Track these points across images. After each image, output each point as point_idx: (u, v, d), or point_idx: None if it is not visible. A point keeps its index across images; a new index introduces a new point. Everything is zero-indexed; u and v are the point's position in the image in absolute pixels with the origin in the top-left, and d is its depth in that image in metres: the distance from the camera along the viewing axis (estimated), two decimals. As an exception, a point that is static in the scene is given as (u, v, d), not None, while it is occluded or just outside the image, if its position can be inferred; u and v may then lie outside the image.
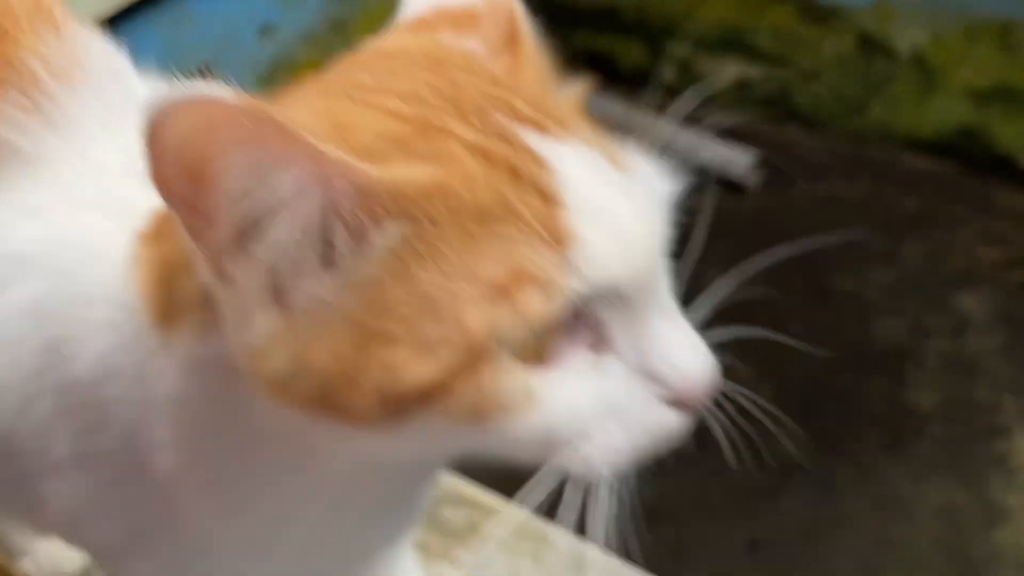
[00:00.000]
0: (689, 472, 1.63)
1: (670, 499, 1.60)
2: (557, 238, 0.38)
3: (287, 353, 0.38)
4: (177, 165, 0.34)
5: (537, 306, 0.38)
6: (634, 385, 0.42)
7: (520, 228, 0.38)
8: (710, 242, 2.21)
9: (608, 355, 0.42)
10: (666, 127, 2.06)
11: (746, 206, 2.18)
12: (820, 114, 2.29)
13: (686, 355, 0.43)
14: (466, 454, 0.44)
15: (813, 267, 1.99)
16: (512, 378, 0.39)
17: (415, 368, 0.37)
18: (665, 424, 0.44)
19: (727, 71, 2.39)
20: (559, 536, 0.52)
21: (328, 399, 0.38)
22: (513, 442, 0.41)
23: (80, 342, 0.46)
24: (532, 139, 0.40)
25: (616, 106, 2.43)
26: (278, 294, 0.38)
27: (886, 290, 1.90)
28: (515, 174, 0.39)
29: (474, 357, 0.38)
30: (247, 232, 0.37)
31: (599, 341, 0.42)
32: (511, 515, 0.61)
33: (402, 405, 0.38)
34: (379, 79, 0.42)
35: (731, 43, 2.34)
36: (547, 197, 0.39)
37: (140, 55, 1.84)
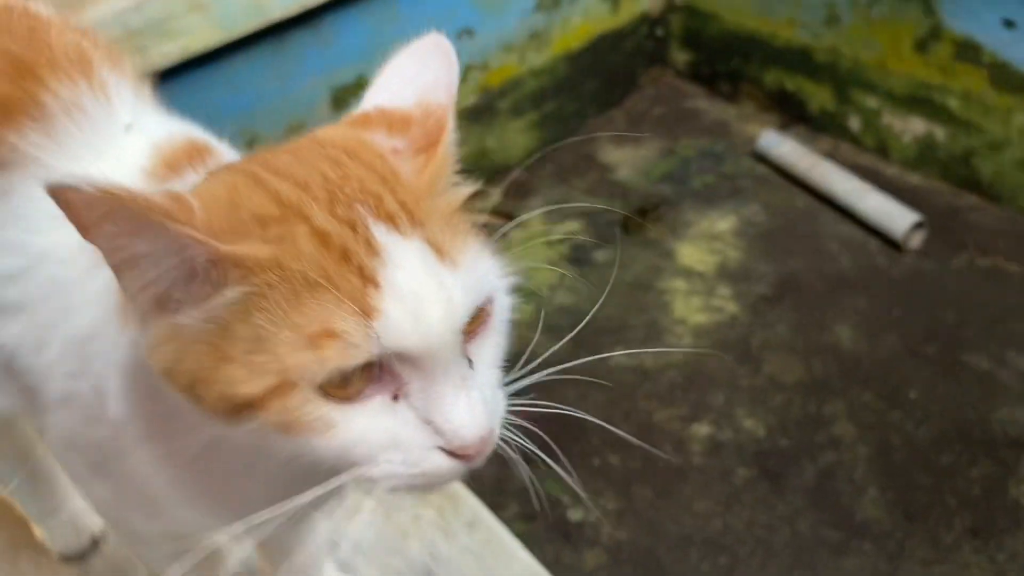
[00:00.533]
0: (761, 513, 1.66)
1: (735, 533, 1.64)
2: (365, 309, 0.49)
3: (169, 353, 0.51)
4: (77, 221, 0.47)
5: (336, 358, 0.48)
6: (419, 431, 0.52)
7: (336, 298, 0.48)
8: (848, 292, 2.22)
9: (403, 403, 0.52)
10: (837, 171, 2.10)
11: (901, 264, 2.13)
12: (1000, 185, 2.19)
13: (462, 418, 0.52)
14: (292, 457, 0.54)
15: (951, 338, 1.92)
16: (313, 407, 0.50)
17: (243, 385, 0.49)
18: (437, 467, 0.53)
19: (911, 128, 2.33)
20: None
21: (193, 391, 0.51)
22: (314, 456, 0.52)
23: (82, 308, 0.63)
24: (379, 231, 0.51)
25: (794, 144, 2.44)
26: (163, 308, 0.51)
27: (1021, 378, 1.81)
28: (345, 256, 0.49)
29: (285, 385, 0.49)
30: (123, 270, 0.50)
31: (399, 391, 0.52)
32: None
33: (235, 410, 0.50)
34: (290, 164, 0.54)
35: (919, 100, 2.28)
36: (366, 277, 0.49)
37: (344, 46, 2.09)
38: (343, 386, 0.50)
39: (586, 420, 0.69)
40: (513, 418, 0.59)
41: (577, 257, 2.32)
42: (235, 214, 0.50)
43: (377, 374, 0.51)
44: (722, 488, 1.72)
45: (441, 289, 0.51)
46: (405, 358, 0.50)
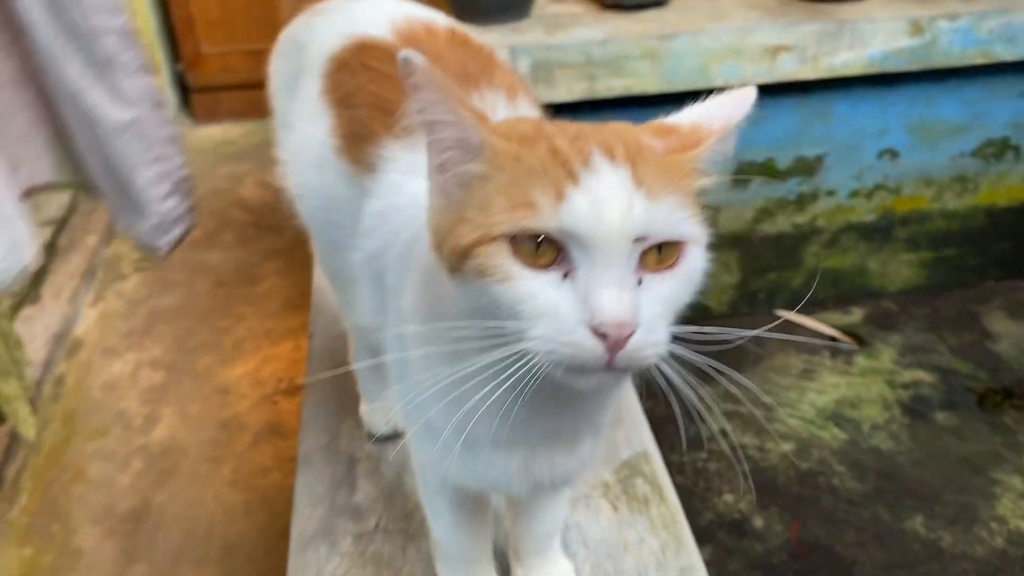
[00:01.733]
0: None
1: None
2: (559, 194, 0.60)
3: (436, 216, 0.67)
4: (408, 82, 0.63)
5: (524, 219, 0.60)
6: (574, 305, 0.60)
7: (543, 182, 0.60)
8: None
9: (570, 282, 0.61)
10: None
11: None
12: None
13: (609, 299, 0.59)
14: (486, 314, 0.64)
15: None
16: (503, 260, 0.61)
17: (465, 236, 0.62)
18: (582, 342, 0.60)
19: None
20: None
21: (440, 248, 0.66)
22: (494, 303, 0.63)
23: (409, 223, 0.83)
24: (596, 155, 0.62)
25: None
26: (442, 171, 0.66)
27: None
28: (564, 163, 0.61)
29: (488, 238, 0.61)
30: (428, 128, 0.65)
31: (570, 272, 0.61)
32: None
33: (458, 257, 0.63)
34: (568, 127, 0.67)
35: None
36: (571, 174, 0.60)
37: (768, 129, 2.17)
38: (532, 253, 0.61)
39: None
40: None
41: (915, 409, 2.20)
42: (510, 132, 0.66)
43: (558, 257, 0.61)
44: None
45: (624, 200, 0.60)
46: (581, 244, 0.60)
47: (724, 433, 2.14)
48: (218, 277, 2.70)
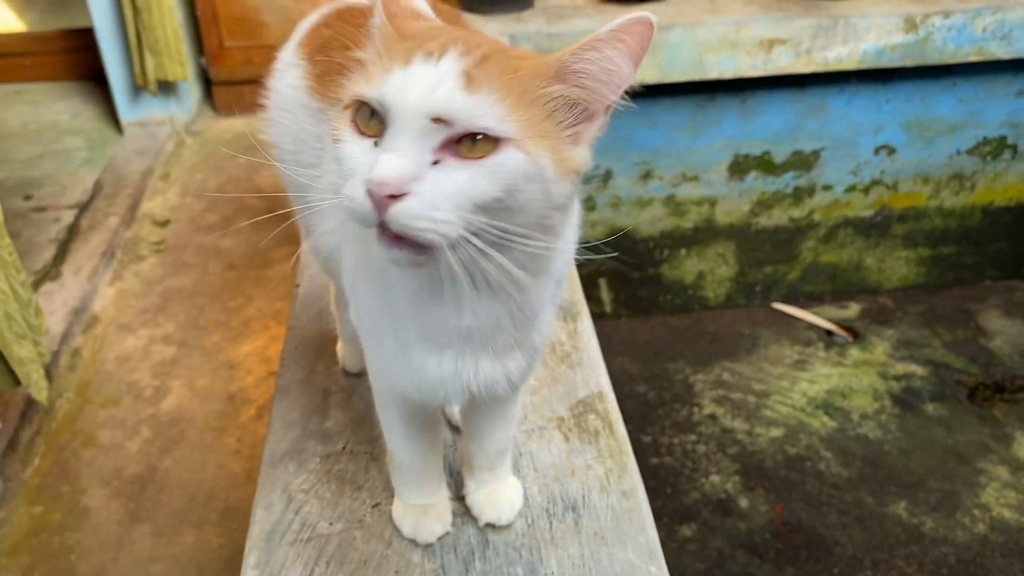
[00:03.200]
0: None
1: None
2: (387, 73, 0.67)
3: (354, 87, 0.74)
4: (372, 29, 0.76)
5: (359, 89, 0.69)
6: (367, 164, 0.66)
7: (385, 65, 0.68)
8: None
9: (375, 147, 0.67)
10: None
11: None
12: None
13: (382, 163, 0.64)
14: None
15: None
16: (344, 124, 0.69)
17: (341, 106, 0.73)
18: (355, 196, 0.65)
19: None
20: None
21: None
22: (337, 161, 0.70)
23: None
24: (439, 50, 0.68)
25: None
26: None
27: None
28: (409, 53, 0.68)
29: (344, 104, 0.71)
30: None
31: (377, 140, 0.67)
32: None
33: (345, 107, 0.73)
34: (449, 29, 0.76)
35: None
36: (406, 62, 0.67)
37: (761, 123, 2.21)
38: (366, 124, 0.68)
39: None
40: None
41: (905, 400, 2.23)
42: (415, 32, 0.73)
43: (381, 131, 0.67)
44: None
45: (430, 82, 0.65)
46: (390, 116, 0.66)
47: (713, 417, 2.19)
48: (231, 260, 2.78)
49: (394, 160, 0.64)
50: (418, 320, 0.79)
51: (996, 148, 2.40)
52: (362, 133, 0.69)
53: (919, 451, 2.08)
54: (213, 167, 3.33)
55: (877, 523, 1.88)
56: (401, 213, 0.64)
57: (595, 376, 1.13)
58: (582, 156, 0.71)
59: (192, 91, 3.61)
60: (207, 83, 3.69)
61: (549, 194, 0.69)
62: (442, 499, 1.02)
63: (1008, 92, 2.30)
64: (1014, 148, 2.40)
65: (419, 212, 0.64)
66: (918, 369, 2.33)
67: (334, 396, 1.11)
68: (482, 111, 0.65)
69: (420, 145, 0.65)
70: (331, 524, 0.97)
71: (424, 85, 0.65)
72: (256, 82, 3.94)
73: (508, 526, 1.01)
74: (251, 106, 4.00)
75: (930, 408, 2.21)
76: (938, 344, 2.42)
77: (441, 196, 0.65)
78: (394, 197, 0.63)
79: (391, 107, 0.65)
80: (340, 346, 1.29)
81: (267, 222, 2.96)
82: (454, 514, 1.01)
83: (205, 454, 2.05)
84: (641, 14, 0.68)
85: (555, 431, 1.05)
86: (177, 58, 3.27)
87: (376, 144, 0.67)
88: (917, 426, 2.15)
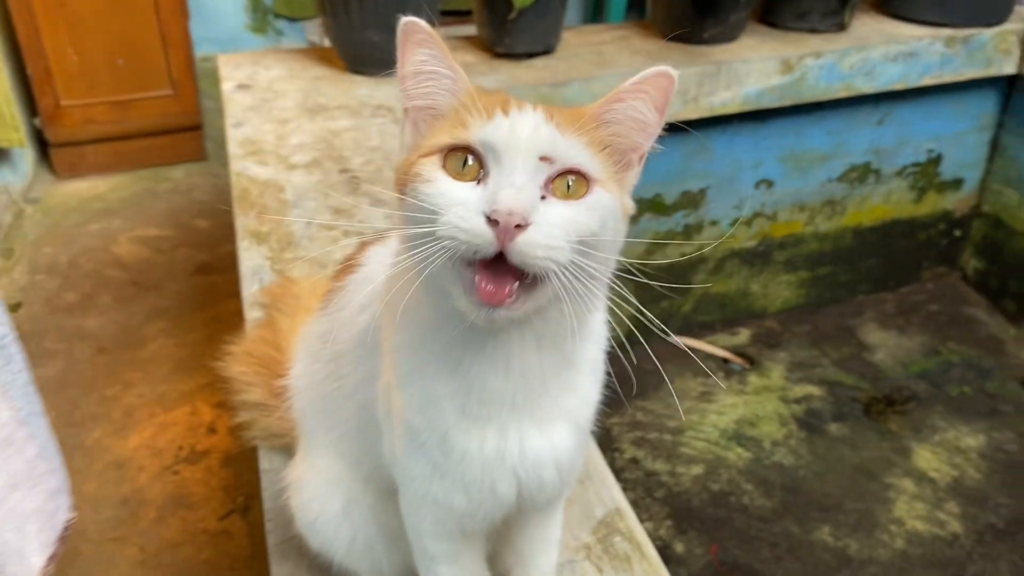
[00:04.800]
0: None
1: None
2: (488, 118, 0.71)
3: (400, 163, 0.75)
4: (404, 43, 0.73)
5: (455, 134, 0.71)
6: (479, 200, 0.67)
7: (480, 113, 0.71)
8: None
9: (481, 186, 0.69)
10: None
11: None
12: None
13: (505, 195, 0.66)
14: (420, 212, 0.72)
15: None
16: (432, 168, 0.71)
17: (414, 156, 0.73)
18: (476, 227, 0.66)
19: None
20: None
21: (401, 185, 0.73)
22: (421, 204, 0.70)
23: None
24: (526, 105, 0.73)
25: None
26: (415, 123, 0.77)
27: None
28: (501, 105, 0.72)
29: (429, 152, 0.72)
30: (412, 77, 0.74)
31: (482, 180, 0.70)
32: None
33: (406, 174, 0.72)
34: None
35: None
36: (504, 110, 0.71)
37: (652, 168, 2.24)
38: (456, 169, 0.70)
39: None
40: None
41: (809, 422, 2.32)
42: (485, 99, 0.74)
43: (478, 175, 0.70)
44: None
45: (534, 124, 0.70)
46: (495, 154, 0.69)
47: (635, 461, 2.20)
48: (99, 343, 2.56)
49: (520, 194, 0.67)
50: (459, 390, 0.78)
51: (862, 174, 2.55)
52: (456, 177, 0.71)
53: (831, 473, 2.16)
54: (62, 238, 3.06)
55: (807, 551, 1.94)
56: (526, 243, 0.66)
57: (607, 490, 1.08)
58: (629, 202, 0.76)
59: (26, 155, 3.31)
60: (43, 145, 3.40)
61: (619, 234, 0.74)
62: None
63: (870, 121, 2.45)
64: (877, 172, 2.56)
65: (540, 240, 0.67)
66: (814, 390, 2.43)
67: None
68: (577, 151, 0.71)
69: (533, 181, 0.69)
70: None
71: (530, 127, 0.70)
72: (100, 141, 3.66)
73: None
74: (96, 167, 3.71)
75: (833, 428, 2.31)
76: (827, 363, 2.54)
77: (555, 227, 0.68)
78: (518, 227, 0.66)
79: (501, 148, 0.69)
80: None
81: (134, 295, 2.75)
82: None
83: (106, 569, 1.86)
84: (661, 68, 0.74)
85: (585, 562, 0.99)
86: (10, 122, 2.98)
87: (479, 184, 0.70)
88: (824, 447, 2.24)
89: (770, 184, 2.47)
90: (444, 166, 0.70)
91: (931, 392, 2.43)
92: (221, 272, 2.93)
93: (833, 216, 2.59)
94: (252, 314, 1.32)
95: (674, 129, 2.36)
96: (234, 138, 1.76)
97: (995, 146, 2.66)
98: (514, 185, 0.67)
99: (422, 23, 0.72)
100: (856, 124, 2.43)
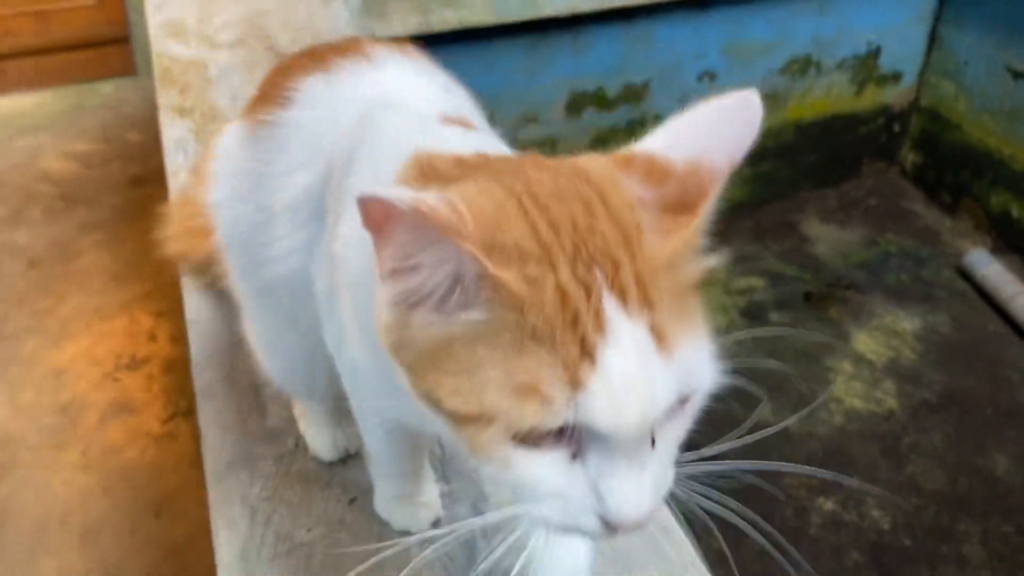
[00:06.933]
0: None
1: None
2: (574, 380, 0.49)
3: (397, 339, 0.55)
4: (372, 224, 0.50)
5: (534, 417, 0.50)
6: (584, 493, 0.54)
7: (553, 361, 0.49)
8: (1019, 425, 2.16)
9: (579, 464, 0.53)
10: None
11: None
12: None
13: (626, 497, 0.53)
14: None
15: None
16: (499, 447, 0.52)
17: (448, 399, 0.52)
18: (591, 530, 0.55)
19: None
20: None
21: (409, 374, 0.55)
22: (491, 480, 0.62)
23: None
24: (609, 305, 0.50)
25: (1003, 269, 2.37)
26: (406, 308, 0.54)
27: None
28: (574, 323, 0.49)
29: (483, 419, 0.51)
30: (399, 274, 0.53)
31: (579, 453, 0.53)
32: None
33: (436, 408, 0.54)
34: (549, 195, 0.54)
35: None
36: (585, 351, 0.49)
37: (594, 58, 2.21)
38: (531, 435, 0.52)
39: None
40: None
41: (752, 313, 2.35)
42: (500, 236, 0.51)
43: (564, 435, 0.52)
44: (830, 564, 1.72)
45: (650, 380, 0.50)
46: (594, 432, 0.51)
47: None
48: (30, 257, 2.48)
49: (643, 491, 0.53)
50: None
51: (803, 66, 2.54)
52: (534, 445, 0.53)
53: (772, 358, 2.20)
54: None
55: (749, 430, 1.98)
56: (646, 525, 0.55)
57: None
58: None
59: (-59, 71, 3.15)
60: (-37, 60, 3.24)
61: None
62: (430, 488, 0.92)
63: (812, 11, 2.44)
64: (818, 64, 2.56)
65: (661, 496, 0.56)
66: (757, 282, 2.46)
67: (267, 390, 0.98)
68: (696, 374, 0.54)
69: (647, 452, 0.54)
70: (309, 530, 0.86)
71: (644, 393, 0.50)
72: (21, 55, 3.50)
73: None
74: (19, 83, 3.56)
75: (775, 316, 2.35)
76: (769, 256, 2.56)
77: (666, 473, 0.56)
78: None
79: (604, 430, 0.51)
80: (304, 426, 1.02)
81: (65, 209, 2.67)
82: (441, 495, 0.92)
83: (47, 475, 1.83)
84: (746, 95, 0.58)
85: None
86: (-78, 34, 2.83)
87: (575, 457, 0.54)
88: (768, 336, 2.27)
89: (713, 77, 2.45)
90: (513, 436, 0.52)
91: (870, 281, 2.48)
92: (156, 184, 2.84)
93: (776, 110, 2.59)
94: (177, 180, 1.28)
95: (614, 16, 2.32)
96: (155, 20, 1.69)
97: (933, 38, 2.67)
98: (633, 475, 0.53)
99: (397, 202, 0.48)
100: (797, 12, 2.41)
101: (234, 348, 1.02)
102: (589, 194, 0.54)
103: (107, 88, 3.33)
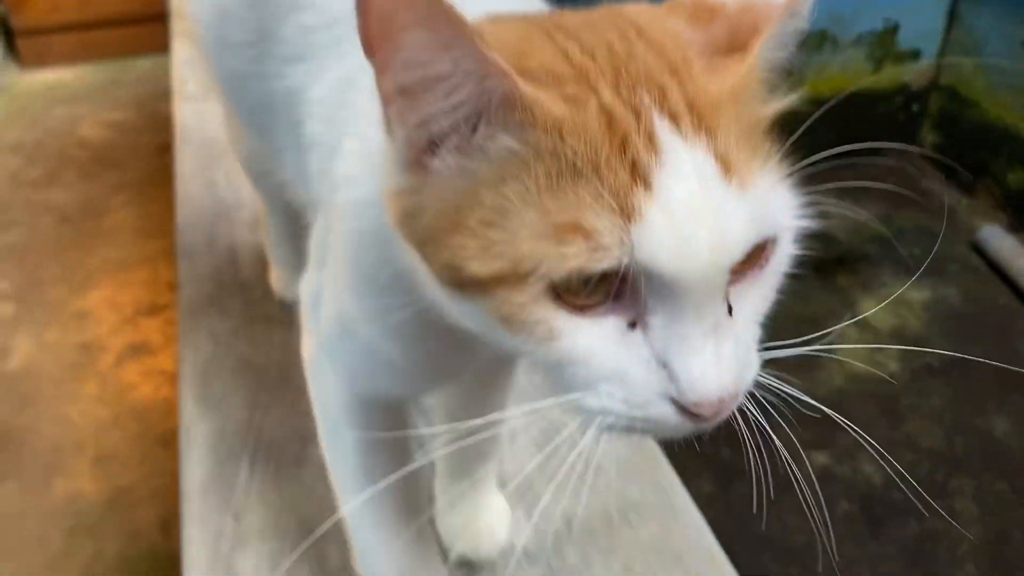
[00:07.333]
0: (850, 546, 1.66)
1: (816, 553, 1.64)
2: (626, 212, 0.41)
3: (410, 203, 0.46)
4: (375, 28, 0.41)
5: (578, 257, 0.41)
6: (651, 371, 0.44)
7: (598, 190, 0.41)
8: (1020, 390, 2.15)
9: (640, 334, 0.44)
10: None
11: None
12: None
13: (705, 371, 0.43)
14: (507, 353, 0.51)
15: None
16: (539, 309, 0.43)
17: (472, 261, 0.43)
18: (662, 419, 0.45)
19: None
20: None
21: (423, 248, 0.46)
22: (530, 359, 0.48)
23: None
24: (660, 125, 0.42)
25: (1016, 243, 2.37)
26: (417, 159, 0.46)
27: None
28: (623, 146, 0.42)
29: (516, 276, 0.42)
30: (412, 95, 0.43)
31: (639, 318, 0.44)
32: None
33: (459, 284, 0.45)
34: (580, 28, 0.47)
35: None
36: (638, 175, 0.41)
37: None
38: (578, 293, 0.43)
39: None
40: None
41: (758, 280, 2.37)
42: (524, 62, 0.44)
43: (619, 291, 0.43)
44: (819, 512, 1.73)
45: (719, 210, 0.42)
46: (656, 281, 0.42)
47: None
48: (63, 213, 2.59)
49: (725, 362, 0.45)
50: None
51: (819, 41, 2.56)
52: (581, 308, 0.44)
53: (775, 322, 2.22)
54: (27, 121, 3.06)
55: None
56: (729, 411, 0.47)
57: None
58: None
59: (-9, 44, 3.30)
60: (8, 34, 3.38)
61: None
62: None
63: (825, -16, 2.45)
64: (834, 40, 2.57)
65: (747, 385, 0.49)
66: (767, 252, 2.48)
67: (244, 250, 1.04)
68: (774, 214, 0.48)
69: (724, 309, 0.46)
70: (268, 355, 0.92)
71: (712, 223, 0.42)
72: (65, 30, 3.66)
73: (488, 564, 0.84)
74: (62, 57, 3.71)
75: (783, 285, 2.36)
76: (781, 229, 2.58)
77: (748, 349, 0.49)
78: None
79: (669, 276, 0.42)
80: (275, 275, 1.08)
81: (98, 172, 2.80)
82: None
83: (66, 406, 1.92)
84: None
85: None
86: (-28, 6, 2.97)
87: (634, 325, 0.45)
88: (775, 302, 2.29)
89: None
90: (556, 298, 0.43)
91: (882, 254, 2.48)
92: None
93: (792, 85, 2.61)
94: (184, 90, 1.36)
95: None
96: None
97: (952, 16, 2.67)
98: (710, 343, 0.44)
99: None
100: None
101: (216, 217, 1.08)
102: (625, 27, 0.47)
103: (145, 64, 3.45)
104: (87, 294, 2.26)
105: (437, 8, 0.40)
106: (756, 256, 0.48)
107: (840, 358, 2.09)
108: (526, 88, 0.42)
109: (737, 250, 0.44)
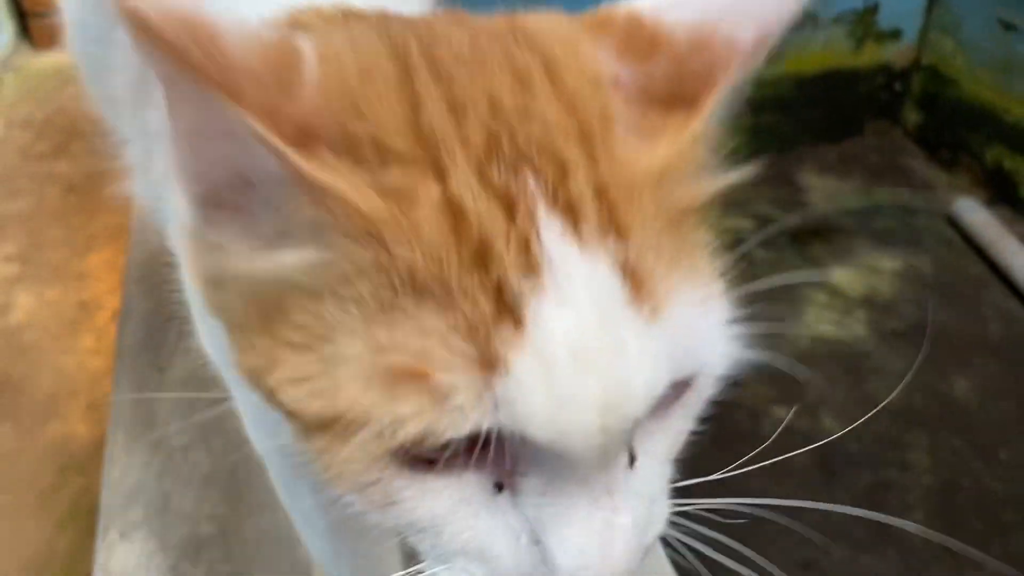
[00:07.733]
0: (802, 493, 1.73)
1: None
2: (487, 359, 0.30)
3: (210, 266, 0.33)
4: (144, 50, 0.30)
5: (419, 420, 0.30)
6: (520, 548, 0.34)
7: (448, 322, 0.30)
8: (984, 355, 2.23)
9: (508, 498, 0.34)
10: (1022, 251, 2.12)
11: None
12: None
13: (586, 552, 0.34)
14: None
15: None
16: (375, 470, 0.32)
17: (286, 388, 0.32)
18: None
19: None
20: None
21: (231, 333, 0.34)
22: (370, 519, 0.36)
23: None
24: (547, 225, 0.32)
25: (989, 215, 2.42)
26: (209, 199, 0.33)
27: None
28: (483, 258, 0.30)
29: (340, 425, 0.31)
30: (180, 134, 0.32)
31: (507, 478, 0.35)
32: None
33: (275, 405, 0.34)
34: (460, 61, 0.34)
35: None
36: (504, 305, 0.31)
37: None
38: (421, 450, 0.33)
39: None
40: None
41: (736, 249, 2.43)
42: (352, 111, 0.31)
43: (484, 443, 0.33)
44: (777, 465, 1.80)
45: (620, 352, 0.32)
46: (530, 443, 0.33)
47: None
48: (69, 183, 2.69)
49: (616, 540, 0.35)
50: None
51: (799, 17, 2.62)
52: (431, 466, 0.34)
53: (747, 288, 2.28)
54: (39, 99, 3.18)
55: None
56: (630, 568, 0.37)
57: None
58: None
59: (5, 26, 3.41)
60: (22, 16, 3.50)
61: None
62: None
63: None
64: (814, 17, 2.63)
65: (645, 545, 0.38)
66: (745, 223, 2.53)
67: None
68: (698, 346, 0.37)
69: (617, 466, 0.36)
70: None
71: (605, 377, 0.32)
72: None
73: None
74: (74, 38, 3.75)
75: (758, 253, 2.42)
76: (762, 201, 2.64)
77: (653, 505, 0.39)
78: None
79: (543, 441, 0.33)
80: None
81: (102, 146, 2.89)
82: None
83: (63, 357, 2.02)
84: None
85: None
86: (-14, -13, 3.09)
87: (500, 487, 0.35)
88: (750, 270, 2.36)
89: (708, 26, 2.54)
90: (397, 453, 0.33)
91: (858, 224, 2.54)
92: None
93: (774, 62, 2.66)
94: None
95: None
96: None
97: (934, -4, 2.72)
98: (597, 514, 0.35)
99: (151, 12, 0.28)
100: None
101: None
102: (527, 62, 0.35)
103: (154, 46, 3.56)
104: (88, 257, 2.36)
105: (150, 33, 0.29)
106: (671, 394, 0.38)
107: (809, 322, 2.17)
108: (315, 172, 0.29)
109: (642, 405, 0.34)
